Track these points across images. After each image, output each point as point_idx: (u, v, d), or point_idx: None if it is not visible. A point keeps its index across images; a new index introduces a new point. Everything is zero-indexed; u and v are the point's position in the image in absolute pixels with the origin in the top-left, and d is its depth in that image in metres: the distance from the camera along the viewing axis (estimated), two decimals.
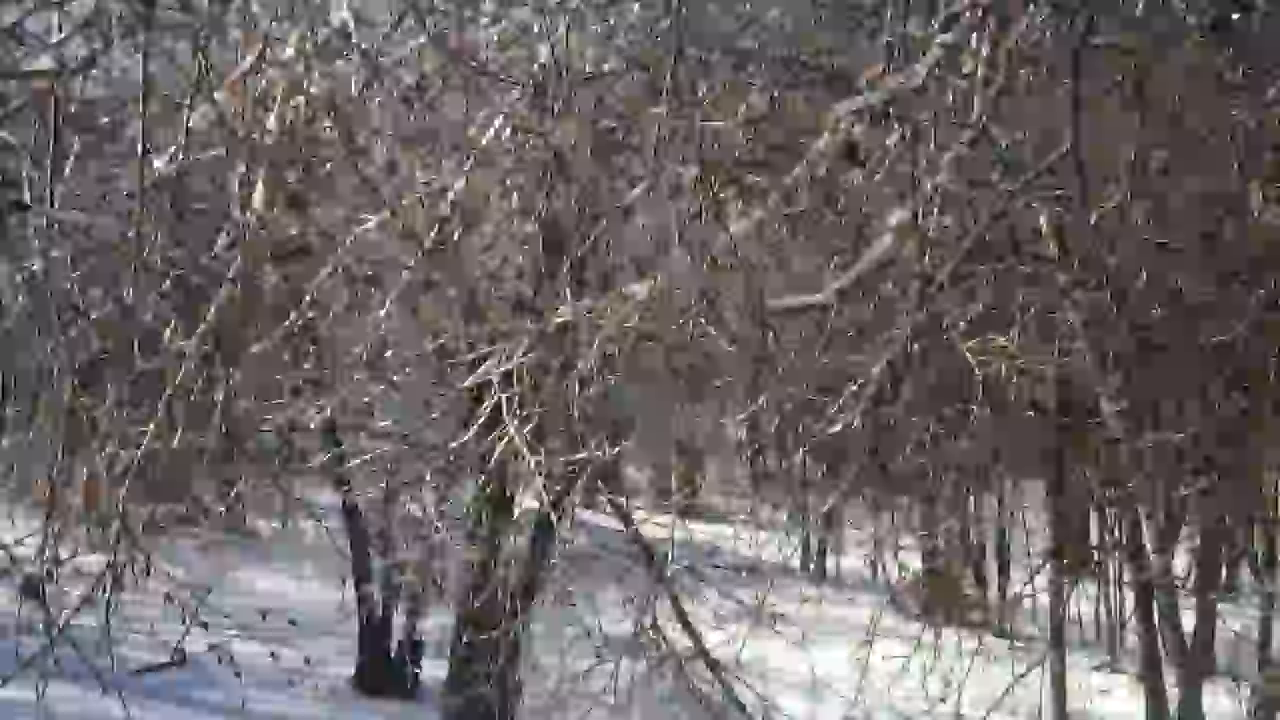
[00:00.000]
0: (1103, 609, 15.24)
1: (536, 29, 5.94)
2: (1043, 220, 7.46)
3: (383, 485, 8.37)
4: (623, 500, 9.30)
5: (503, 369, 5.79)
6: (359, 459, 8.27)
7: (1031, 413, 6.98)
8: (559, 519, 7.33)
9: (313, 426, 7.14)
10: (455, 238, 6.17)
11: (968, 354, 5.57)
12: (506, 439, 5.72)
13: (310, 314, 5.62)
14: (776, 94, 5.86)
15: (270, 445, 8.65)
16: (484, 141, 5.98)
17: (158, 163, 3.72)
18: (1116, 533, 11.64)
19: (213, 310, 4.07)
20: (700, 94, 5.57)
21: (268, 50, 4.06)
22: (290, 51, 4.14)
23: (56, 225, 3.48)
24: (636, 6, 6.00)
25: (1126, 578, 12.58)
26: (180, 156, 3.70)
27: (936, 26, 3.89)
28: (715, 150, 5.79)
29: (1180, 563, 11.66)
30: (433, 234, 5.69)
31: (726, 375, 7.72)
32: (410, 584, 11.48)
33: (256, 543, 16.60)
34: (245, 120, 4.03)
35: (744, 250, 5.87)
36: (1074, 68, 3.84)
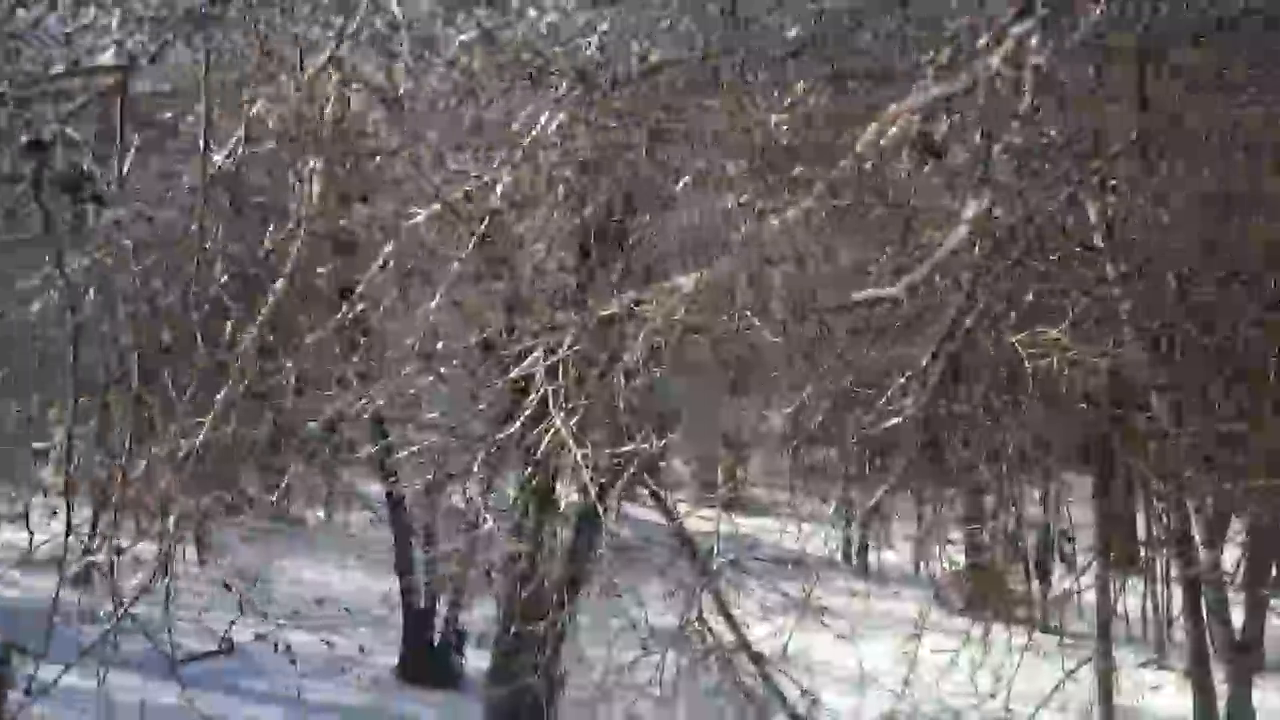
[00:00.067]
0: (1150, 604, 15.07)
1: (583, 21, 5.94)
2: (1091, 211, 7.38)
3: (429, 476, 8.42)
4: (665, 493, 9.32)
5: (548, 362, 5.81)
6: (406, 450, 8.32)
7: (1084, 405, 6.91)
8: (604, 511, 7.35)
9: (365, 417, 7.19)
10: (503, 230, 6.20)
11: (1018, 346, 5.53)
12: (553, 431, 5.75)
13: (361, 306, 5.67)
14: (827, 86, 5.83)
15: (318, 435, 8.73)
16: (532, 135, 6.00)
17: (216, 157, 3.77)
18: (1165, 526, 11.50)
19: (270, 302, 4.11)
20: (750, 86, 5.55)
21: (321, 46, 4.09)
22: (343, 48, 4.17)
23: (126, 219, 3.54)
24: None
25: (1174, 573, 12.43)
26: (239, 151, 3.75)
27: (1011, 16, 3.84)
28: (764, 142, 5.77)
29: (1230, 557, 11.51)
30: (482, 226, 5.72)
31: (772, 368, 7.70)
32: (454, 575, 11.56)
33: (302, 532, 16.76)
34: (302, 114, 4.07)
35: (791, 243, 5.86)
36: (1140, 62, 3.80)
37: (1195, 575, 9.37)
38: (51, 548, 10.30)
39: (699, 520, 8.44)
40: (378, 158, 6.28)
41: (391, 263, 5.72)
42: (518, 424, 6.13)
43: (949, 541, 9.58)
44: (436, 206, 5.69)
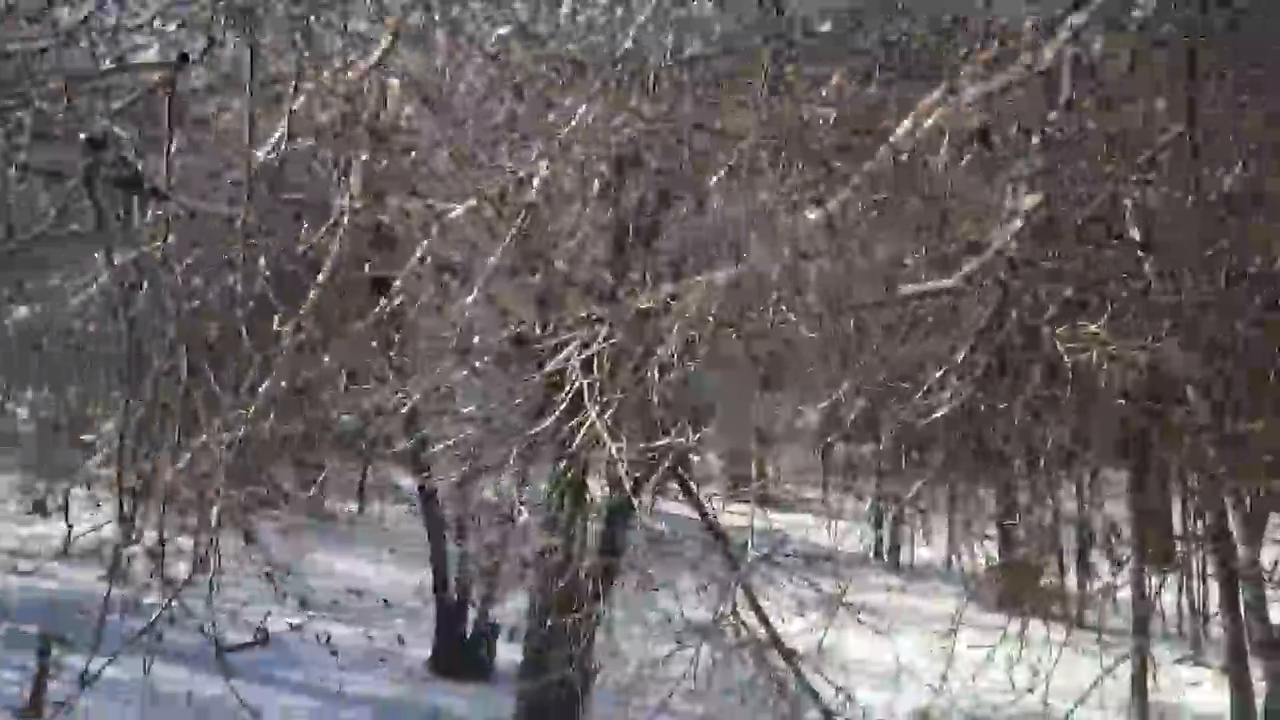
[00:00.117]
0: (1186, 601, 14.94)
1: (619, 14, 5.94)
2: (1128, 204, 7.31)
3: (464, 469, 8.47)
4: (696, 487, 9.32)
5: (583, 355, 5.83)
6: (441, 444, 8.37)
7: (1121, 400, 6.85)
8: (638, 505, 7.37)
9: (403, 411, 7.24)
10: (538, 224, 6.21)
11: (1056, 340, 5.49)
12: (587, 425, 5.76)
13: (398, 300, 5.69)
14: (864, 78, 5.81)
15: (352, 428, 8.80)
16: (567, 129, 6.01)
17: (259, 152, 3.80)
18: (1201, 522, 11.40)
19: (310, 297, 4.14)
20: (786, 78, 5.53)
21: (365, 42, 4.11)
22: (386, 39, 4.18)
23: (171, 213, 3.58)
24: None
25: (1210, 569, 12.32)
26: (282, 147, 3.78)
27: (1070, 7, 3.81)
28: (800, 135, 5.75)
29: (1268, 554, 11.39)
30: (518, 221, 5.73)
31: (807, 362, 7.69)
32: (487, 568, 11.61)
33: (334, 527, 16.89)
34: (347, 111, 4.10)
35: (826, 236, 5.84)
36: (1190, 54, 3.75)
37: (1233, 571, 9.28)
38: (91, 540, 10.44)
39: (729, 515, 8.44)
40: (413, 153, 6.30)
41: (428, 258, 5.74)
42: (552, 418, 6.15)
43: (986, 537, 9.53)
44: (472, 201, 5.71)
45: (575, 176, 6.65)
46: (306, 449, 10.86)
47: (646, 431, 6.28)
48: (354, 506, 17.78)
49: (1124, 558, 9.48)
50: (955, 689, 8.37)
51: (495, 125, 5.63)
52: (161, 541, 4.26)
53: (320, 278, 4.20)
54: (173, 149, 3.74)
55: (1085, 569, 14.33)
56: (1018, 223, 4.07)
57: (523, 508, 7.83)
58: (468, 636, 13.04)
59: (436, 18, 4.87)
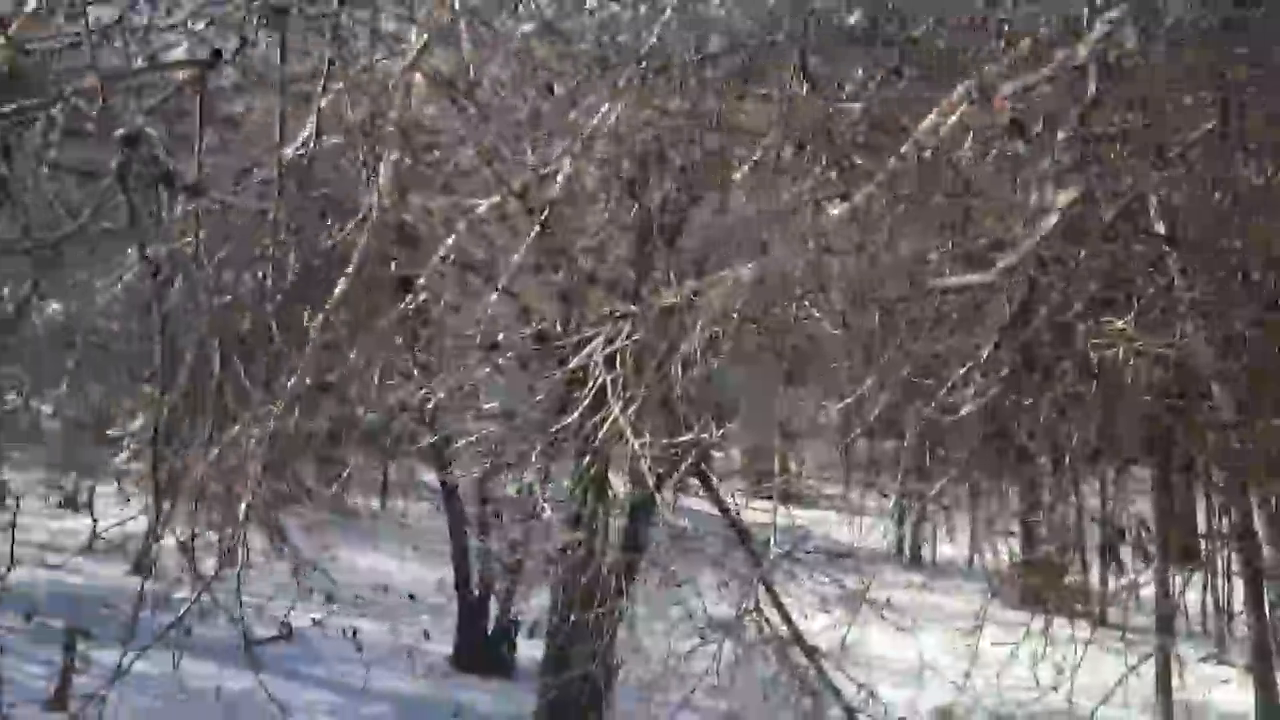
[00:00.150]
0: (1210, 599, 14.86)
1: (643, 11, 5.94)
2: (1154, 201, 7.27)
3: (486, 465, 8.50)
4: (718, 483, 9.33)
5: (606, 351, 5.84)
6: (464, 440, 8.40)
7: (1147, 396, 6.82)
8: (661, 501, 7.38)
9: (430, 406, 7.27)
10: (561, 221, 6.23)
11: (1083, 336, 5.47)
12: (611, 420, 5.77)
13: (423, 297, 5.72)
14: (888, 74, 5.79)
15: (376, 424, 8.84)
16: (591, 125, 6.02)
17: (287, 150, 3.83)
18: (1226, 520, 11.33)
19: (337, 294, 4.17)
20: (810, 75, 5.52)
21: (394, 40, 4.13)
22: (420, 38, 4.21)
23: (203, 209, 3.61)
24: None
25: (1235, 566, 12.24)
26: (311, 144, 3.81)
27: (1099, 4, 3.79)
28: (823, 131, 5.74)
29: None
30: (541, 217, 5.75)
31: (830, 358, 7.68)
32: (509, 564, 11.64)
33: (357, 523, 16.97)
34: (376, 108, 4.12)
35: (850, 232, 5.83)
36: (1221, 51, 3.73)
37: (1258, 570, 9.22)
38: (116, 535, 10.53)
39: (752, 511, 8.44)
40: (436, 151, 6.33)
41: (453, 255, 5.76)
42: (575, 414, 6.16)
43: (1010, 534, 9.50)
44: (496, 198, 5.73)
45: (599, 173, 6.66)
46: (330, 445, 10.91)
47: (669, 427, 6.29)
48: (377, 502, 17.86)
49: (1148, 556, 9.42)
50: (979, 686, 8.35)
51: (519, 122, 5.65)
52: (192, 536, 4.30)
53: (347, 274, 4.23)
54: (202, 147, 3.76)
55: (1109, 566, 14.26)
56: (1053, 218, 4.04)
57: (545, 504, 7.85)
58: (490, 632, 13.09)
59: (463, 15, 4.89)
